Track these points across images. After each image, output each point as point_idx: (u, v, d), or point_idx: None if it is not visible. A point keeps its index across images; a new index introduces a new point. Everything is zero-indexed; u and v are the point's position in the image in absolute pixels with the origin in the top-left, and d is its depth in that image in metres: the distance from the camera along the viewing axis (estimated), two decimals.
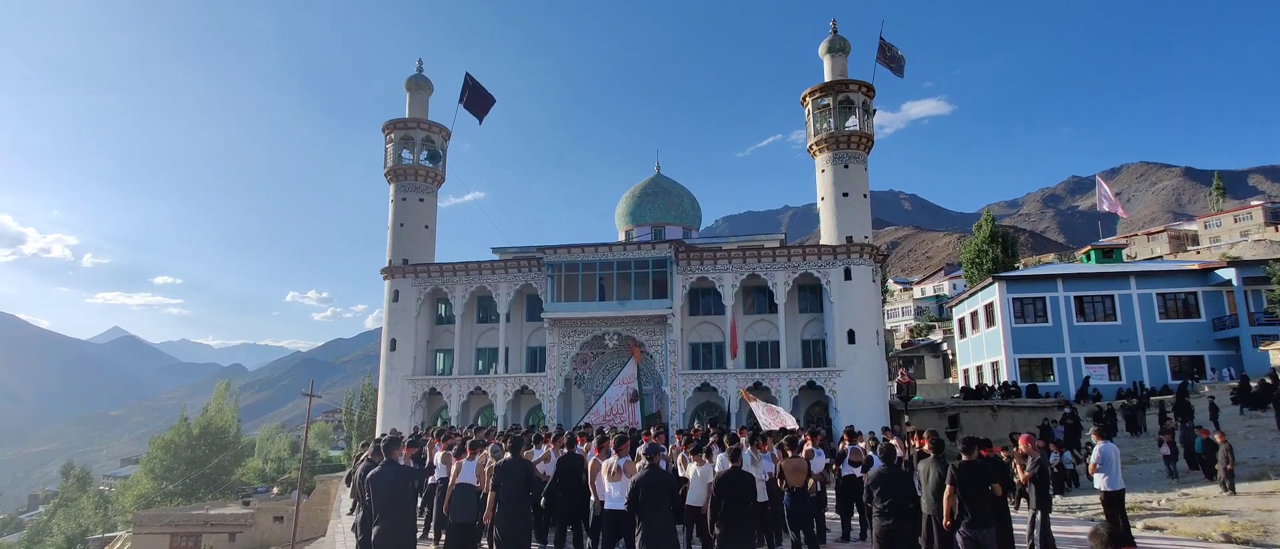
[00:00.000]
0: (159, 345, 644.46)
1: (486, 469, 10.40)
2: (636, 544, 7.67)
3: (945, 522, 8.10)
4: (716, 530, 8.17)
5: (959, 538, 7.98)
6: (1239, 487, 16.58)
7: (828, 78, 31.32)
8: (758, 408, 20.20)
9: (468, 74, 33.84)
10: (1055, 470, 18.34)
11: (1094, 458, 11.20)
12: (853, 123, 30.53)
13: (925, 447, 10.07)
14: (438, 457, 11.98)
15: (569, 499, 10.69)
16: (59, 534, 53.18)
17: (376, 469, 7.52)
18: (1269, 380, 28.74)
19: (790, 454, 10.17)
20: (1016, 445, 11.66)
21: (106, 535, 48.08)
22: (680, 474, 10.25)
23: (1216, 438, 17.75)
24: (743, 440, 11.28)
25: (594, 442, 11.69)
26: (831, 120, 30.28)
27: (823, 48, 31.98)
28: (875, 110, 31.25)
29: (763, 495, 10.32)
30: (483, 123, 34.31)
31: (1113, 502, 11.21)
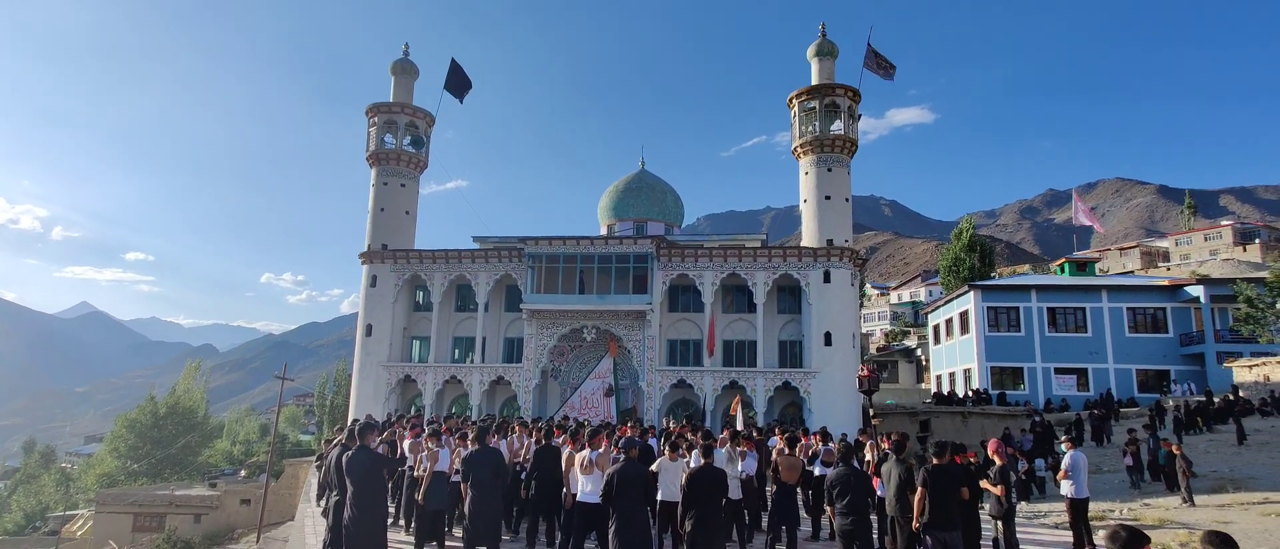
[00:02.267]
0: (128, 322, 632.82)
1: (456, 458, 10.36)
2: (609, 536, 7.68)
3: (915, 523, 8.20)
4: (687, 526, 8.20)
5: (927, 539, 8.09)
6: (1198, 499, 16.96)
7: (815, 81, 31.47)
8: (739, 416, 20.20)
9: (453, 60, 33.59)
10: (1023, 477, 18.62)
11: (1065, 464, 11.49)
12: (837, 126, 30.71)
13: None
14: (406, 444, 11.91)
15: (543, 491, 10.69)
16: (18, 511, 52.13)
17: (350, 453, 7.45)
18: (1231, 396, 29.45)
19: (790, 452, 10.30)
20: (987, 451, 11.82)
21: (67, 513, 47.19)
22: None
23: (1174, 449, 18.14)
24: (723, 437, 11.34)
25: (569, 434, 11.70)
26: (817, 123, 30.43)
27: (811, 51, 32.12)
28: (860, 115, 31.47)
29: (736, 493, 10.38)
30: (463, 102, 34.07)
31: (1077, 509, 11.53)
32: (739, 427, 16.53)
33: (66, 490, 54.14)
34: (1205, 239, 78.44)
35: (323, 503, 14.04)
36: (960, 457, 9.95)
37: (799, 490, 11.10)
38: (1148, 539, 3.66)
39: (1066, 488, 11.60)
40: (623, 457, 8.27)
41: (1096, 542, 12.79)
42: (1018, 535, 10.48)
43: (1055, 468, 21.19)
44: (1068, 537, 12.18)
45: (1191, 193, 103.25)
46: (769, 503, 10.78)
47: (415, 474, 11.43)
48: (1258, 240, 73.73)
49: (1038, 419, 28.52)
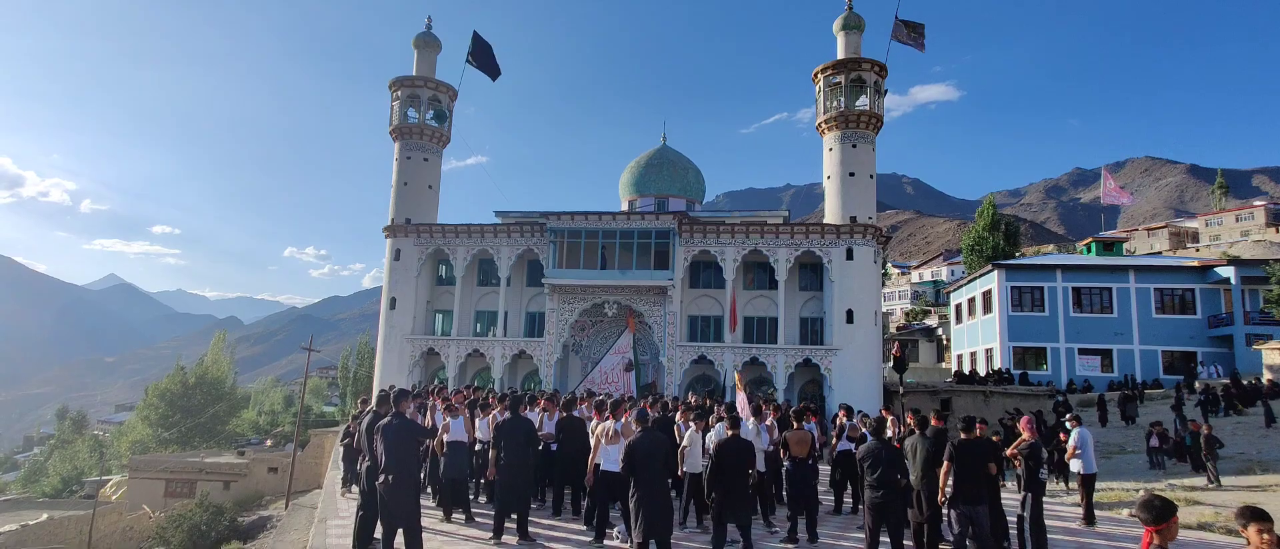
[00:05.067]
0: (155, 294, 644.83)
1: (488, 425, 10.52)
2: (631, 505, 7.77)
3: (940, 497, 8.25)
4: (713, 496, 8.29)
5: (953, 513, 8.14)
6: (1225, 480, 16.87)
7: (841, 55, 31.04)
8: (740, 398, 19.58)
9: (475, 33, 33.52)
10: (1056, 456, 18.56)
11: (1074, 441, 11.93)
12: (863, 102, 30.33)
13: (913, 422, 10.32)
14: (437, 414, 12.14)
15: (567, 460, 10.87)
16: (55, 475, 53.74)
17: (385, 420, 7.59)
18: (1255, 380, 29.03)
19: (798, 426, 10.39)
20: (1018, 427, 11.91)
21: (102, 478, 48.56)
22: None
23: (1203, 429, 18.02)
24: (747, 411, 11.43)
25: (593, 405, 11.87)
26: (842, 98, 30.08)
27: (837, 24, 31.65)
28: (886, 91, 31.03)
29: (760, 466, 10.49)
30: (495, 79, 34.01)
31: (1088, 484, 12.14)
32: (742, 406, 15.79)
33: (100, 456, 55.62)
34: (1236, 220, 76.79)
35: (356, 469, 14.40)
36: (996, 434, 10.04)
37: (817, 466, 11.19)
38: (1176, 508, 3.84)
39: (1076, 465, 12.19)
40: (639, 428, 8.35)
41: (1123, 516, 12.80)
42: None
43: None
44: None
45: (1223, 172, 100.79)
46: (785, 479, 10.87)
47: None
48: None
49: (1061, 400, 28.34)
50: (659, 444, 7.89)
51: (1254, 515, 3.60)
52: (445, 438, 10.64)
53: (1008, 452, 9.38)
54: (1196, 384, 29.67)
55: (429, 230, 32.40)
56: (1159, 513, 3.74)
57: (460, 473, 10.74)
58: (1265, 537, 3.52)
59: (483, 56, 33.30)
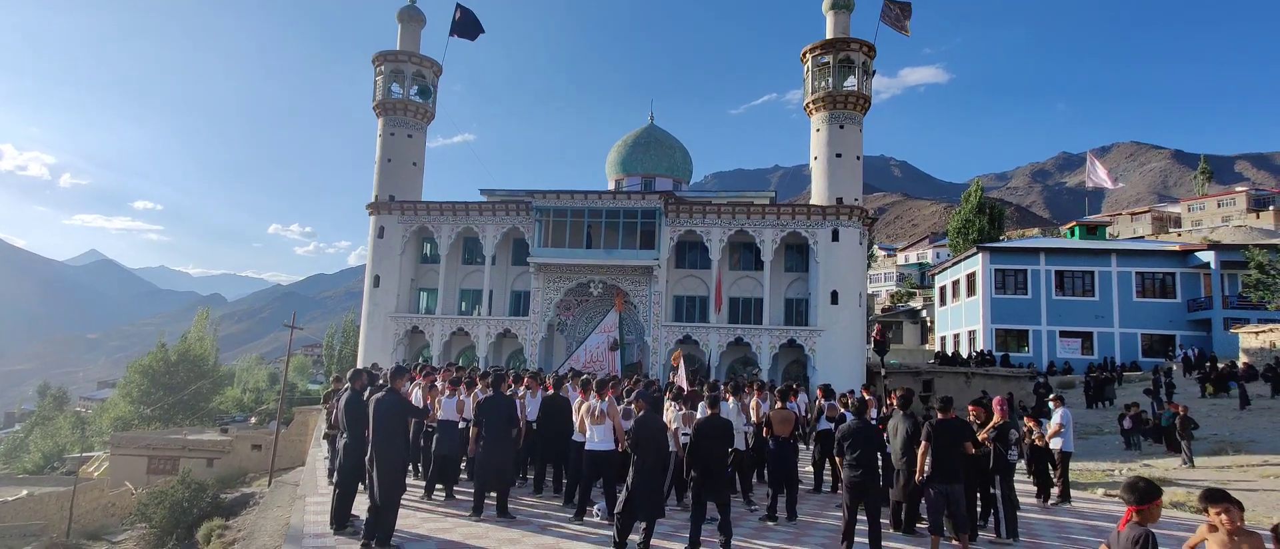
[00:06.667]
0: (137, 271, 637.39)
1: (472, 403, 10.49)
2: (629, 482, 7.83)
3: (918, 476, 8.31)
4: (692, 475, 8.32)
5: (929, 492, 8.21)
6: (1198, 461, 17.16)
7: (830, 35, 30.87)
8: (681, 371, 18.36)
9: (459, 5, 33.07)
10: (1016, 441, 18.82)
11: (1058, 420, 12.38)
12: (851, 83, 30.23)
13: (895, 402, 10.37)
14: (416, 394, 12.08)
15: (550, 439, 10.87)
16: (36, 452, 53.28)
17: (379, 395, 7.51)
18: (1231, 364, 29.47)
19: (781, 406, 10.43)
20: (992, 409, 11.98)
21: (84, 455, 48.23)
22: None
23: (1179, 410, 18.27)
24: (726, 390, 11.45)
25: (578, 384, 11.85)
26: (830, 79, 29.95)
27: (826, 3, 31.44)
28: (875, 72, 30.95)
29: (739, 444, 10.52)
30: (474, 40, 33.73)
31: (1063, 462, 12.48)
32: (681, 381, 14.88)
33: (82, 433, 55.21)
34: (1218, 205, 77.64)
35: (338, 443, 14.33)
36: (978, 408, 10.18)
37: (799, 445, 11.24)
38: (1161, 491, 3.86)
39: (1056, 443, 12.47)
40: (646, 407, 8.35)
41: (1098, 495, 13.00)
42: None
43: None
44: (1055, 489, 12.65)
45: (1206, 158, 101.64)
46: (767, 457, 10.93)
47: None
48: (1271, 207, 72.93)
49: (1041, 381, 28.69)
50: (660, 425, 8.03)
51: (1212, 497, 3.66)
52: (435, 411, 10.65)
53: (980, 435, 9.44)
54: (1207, 365, 29.93)
55: (413, 208, 32.13)
56: (1143, 494, 3.79)
57: (450, 450, 10.75)
58: (1223, 517, 3.57)
59: (464, 23, 32.98)
